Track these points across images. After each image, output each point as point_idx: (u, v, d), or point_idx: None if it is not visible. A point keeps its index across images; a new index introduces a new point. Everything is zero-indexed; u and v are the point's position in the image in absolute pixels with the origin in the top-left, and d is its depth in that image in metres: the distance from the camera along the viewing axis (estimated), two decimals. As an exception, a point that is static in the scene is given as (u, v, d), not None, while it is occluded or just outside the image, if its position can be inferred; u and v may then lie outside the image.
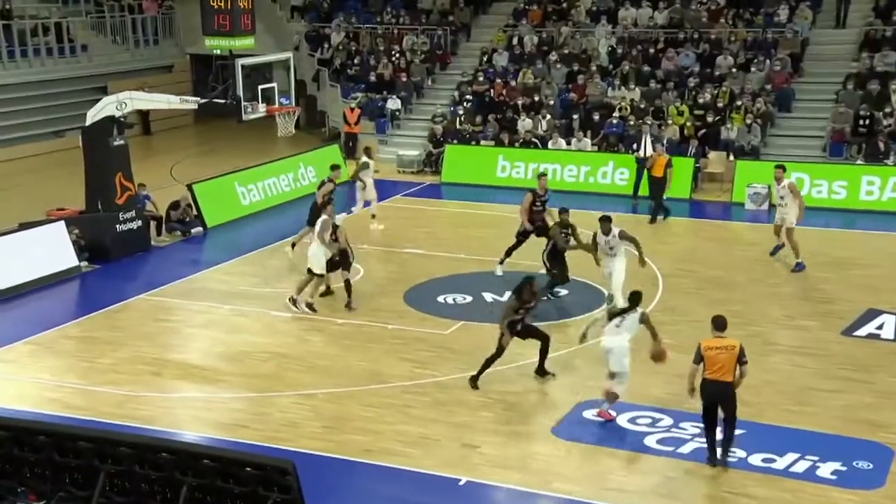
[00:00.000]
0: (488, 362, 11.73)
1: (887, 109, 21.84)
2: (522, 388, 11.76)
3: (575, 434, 10.74)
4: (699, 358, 9.86)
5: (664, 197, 19.48)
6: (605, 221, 14.11)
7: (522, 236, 15.81)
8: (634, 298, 11.11)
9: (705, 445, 10.32)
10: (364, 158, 19.24)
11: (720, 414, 9.95)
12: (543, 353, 12.01)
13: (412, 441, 10.55)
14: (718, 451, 10.02)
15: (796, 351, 13.01)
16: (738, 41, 25.29)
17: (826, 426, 10.86)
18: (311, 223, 15.41)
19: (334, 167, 17.40)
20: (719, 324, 10.04)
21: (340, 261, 14.55)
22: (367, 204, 19.10)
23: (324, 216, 14.52)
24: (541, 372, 12.07)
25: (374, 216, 18.68)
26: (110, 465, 8.40)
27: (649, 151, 20.80)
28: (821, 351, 13.02)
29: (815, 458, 10.08)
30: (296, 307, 14.29)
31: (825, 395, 11.66)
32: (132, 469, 8.37)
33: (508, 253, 15.84)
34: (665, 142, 21.88)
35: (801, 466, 9.98)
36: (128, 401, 11.56)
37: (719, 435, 10.01)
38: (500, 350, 11.67)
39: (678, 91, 23.94)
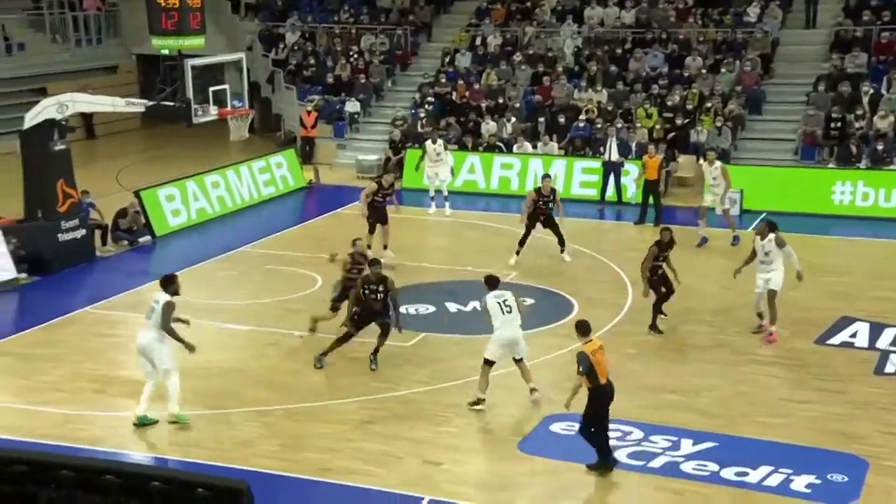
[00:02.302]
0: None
1: (859, 112, 22.23)
2: (488, 401, 11.77)
3: (542, 449, 10.78)
4: (589, 366, 10.01)
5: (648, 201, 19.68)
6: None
7: (530, 222, 17.02)
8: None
9: (677, 459, 10.42)
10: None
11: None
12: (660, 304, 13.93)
13: (373, 458, 10.53)
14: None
15: (768, 360, 13.18)
16: (707, 42, 25.63)
17: (799, 438, 11.00)
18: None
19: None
20: (585, 329, 10.37)
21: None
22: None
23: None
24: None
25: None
26: (51, 491, 8.28)
27: (615, 156, 20.99)
28: (794, 360, 13.19)
29: (789, 472, 10.20)
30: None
31: (798, 406, 11.82)
32: (75, 494, 8.26)
33: (522, 242, 16.92)
34: (634, 145, 22.10)
35: (774, 480, 10.10)
36: (69, 420, 11.40)
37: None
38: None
39: (646, 93, 24.19)
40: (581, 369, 10.01)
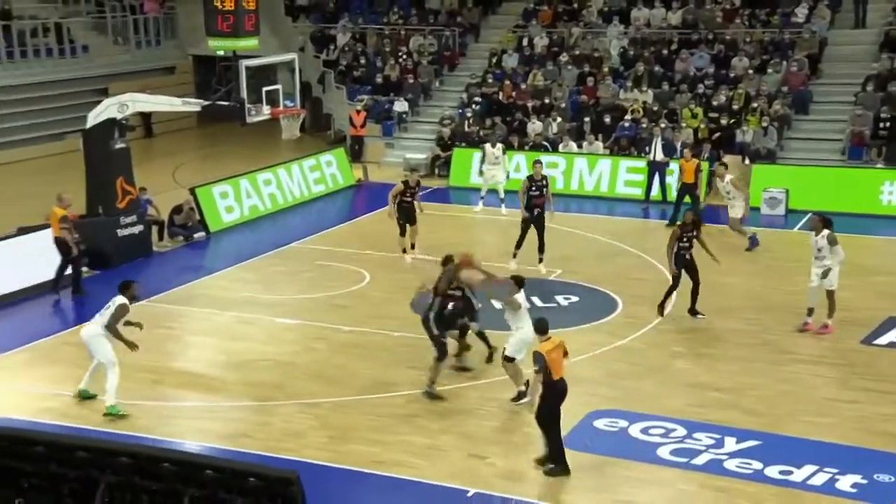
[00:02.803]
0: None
1: (908, 111, 21.78)
2: (529, 397, 11.71)
3: (585, 444, 10.71)
4: (543, 365, 9.90)
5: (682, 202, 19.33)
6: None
7: (525, 224, 16.28)
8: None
9: (720, 457, 10.30)
10: None
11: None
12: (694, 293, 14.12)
13: (419, 451, 10.55)
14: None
15: (814, 360, 12.97)
16: (753, 42, 25.26)
17: (845, 438, 10.81)
18: None
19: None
20: (543, 328, 10.22)
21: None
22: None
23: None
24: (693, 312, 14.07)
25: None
26: (110, 476, 8.41)
27: (660, 155, 20.77)
28: (840, 360, 12.97)
29: (835, 471, 10.03)
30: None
31: (844, 406, 11.61)
32: (132, 480, 8.38)
33: (518, 245, 16.31)
34: (679, 145, 21.86)
35: (819, 479, 9.93)
36: (128, 409, 11.57)
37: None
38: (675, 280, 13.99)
39: (692, 93, 23.91)
40: (536, 368, 9.95)
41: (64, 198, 15.40)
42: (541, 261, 16.27)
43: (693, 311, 14.31)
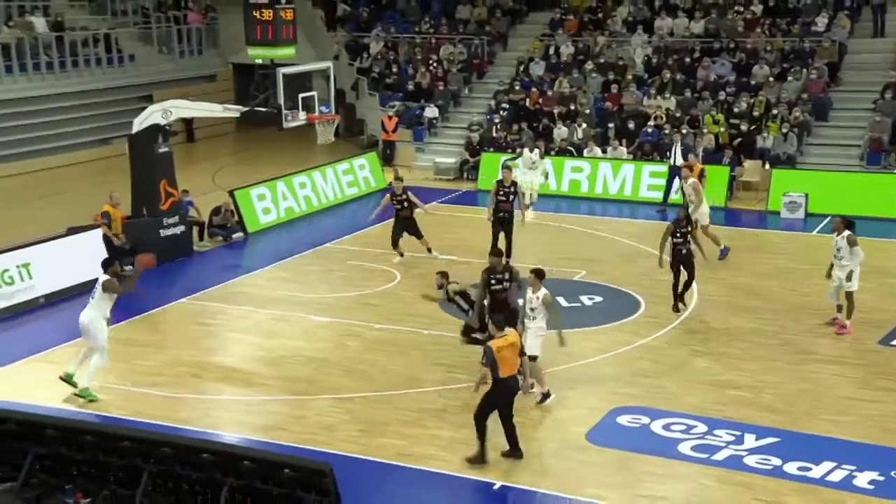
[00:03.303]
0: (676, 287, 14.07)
1: (926, 118, 21.49)
2: (554, 394, 11.69)
3: (608, 440, 10.67)
4: (491, 360, 9.81)
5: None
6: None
7: (494, 227, 16.20)
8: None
9: (740, 453, 10.22)
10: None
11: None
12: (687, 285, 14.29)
13: (447, 445, 10.55)
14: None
15: (832, 360, 12.82)
16: (774, 50, 25.02)
17: (863, 436, 10.68)
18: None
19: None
20: (500, 324, 10.11)
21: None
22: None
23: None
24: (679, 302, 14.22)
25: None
26: (153, 465, 8.50)
27: (679, 160, 20.58)
28: (857, 360, 12.81)
29: (853, 468, 9.91)
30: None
31: (862, 405, 11.47)
32: (174, 469, 8.46)
33: (493, 246, 15.98)
34: (700, 151, 21.69)
35: (837, 476, 9.82)
36: (168, 402, 11.69)
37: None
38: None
39: (714, 100, 23.73)
40: (484, 361, 9.90)
41: (113, 196, 15.76)
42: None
43: (676, 305, 14.36)
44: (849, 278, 13.50)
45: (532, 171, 20.13)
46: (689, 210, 16.06)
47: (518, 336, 10.20)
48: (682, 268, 14.36)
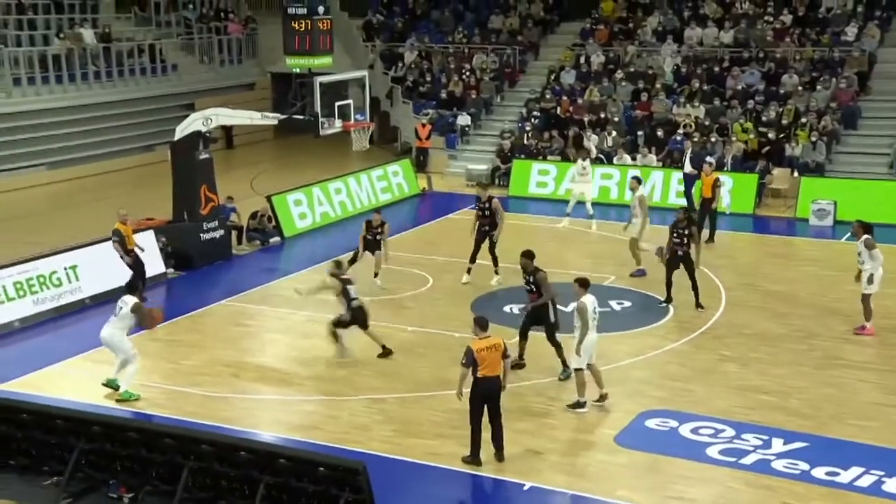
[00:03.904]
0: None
1: (956, 127, 21.12)
2: (585, 396, 11.63)
3: (637, 443, 10.60)
4: (471, 360, 9.79)
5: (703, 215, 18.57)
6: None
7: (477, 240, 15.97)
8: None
9: (768, 457, 10.11)
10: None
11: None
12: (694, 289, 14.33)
13: (478, 446, 10.52)
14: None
15: (859, 366, 12.65)
16: (803, 60, 24.75)
17: (891, 441, 10.52)
18: None
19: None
20: (483, 324, 10.08)
21: None
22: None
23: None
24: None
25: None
26: (193, 462, 8.59)
27: (688, 168, 20.31)
28: (884, 366, 12.63)
29: (881, 473, 9.77)
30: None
31: (890, 411, 11.30)
32: (213, 466, 8.55)
33: (472, 259, 16.05)
34: (729, 159, 21.54)
35: (866, 481, 9.68)
36: (209, 401, 11.79)
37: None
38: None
39: (742, 108, 23.52)
40: (464, 361, 9.88)
41: (120, 213, 15.46)
42: (496, 273, 15.92)
43: (669, 297, 14.53)
44: (869, 281, 13.34)
45: (582, 180, 19.72)
46: (632, 220, 15.97)
47: (502, 340, 10.11)
48: (682, 266, 14.39)
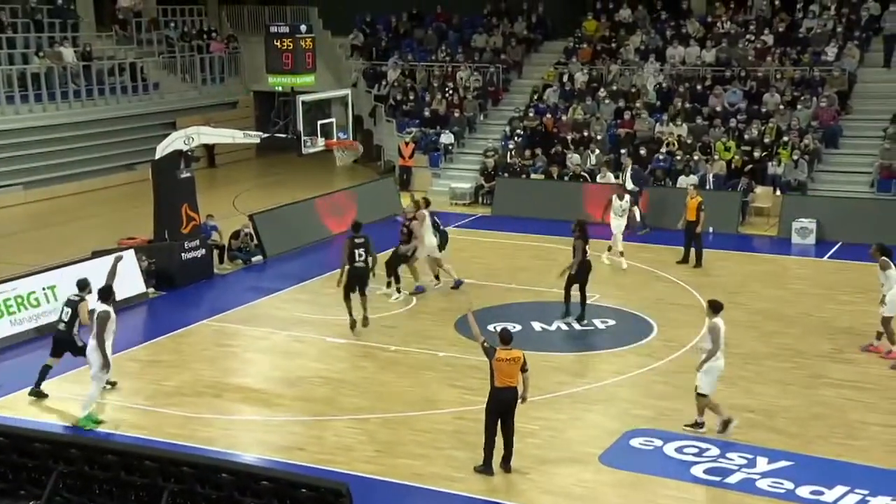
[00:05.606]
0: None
1: (936, 145, 21.37)
2: (568, 415, 11.64)
3: (622, 462, 10.59)
4: (488, 355, 10.10)
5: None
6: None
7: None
8: None
9: (752, 476, 10.12)
10: None
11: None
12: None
13: (462, 466, 10.50)
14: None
15: (846, 384, 12.70)
16: (785, 79, 25.02)
17: (876, 460, 10.56)
18: None
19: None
20: (506, 339, 10.32)
21: None
22: None
23: None
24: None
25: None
26: (173, 485, 8.49)
27: (629, 184, 20.39)
28: (870, 384, 12.69)
29: (866, 493, 9.80)
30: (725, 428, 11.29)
31: (875, 429, 11.35)
32: (194, 488, 8.45)
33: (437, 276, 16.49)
34: (712, 177, 21.69)
35: (850, 500, 9.70)
36: (189, 422, 11.70)
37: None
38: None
39: (725, 127, 23.73)
40: (486, 345, 10.18)
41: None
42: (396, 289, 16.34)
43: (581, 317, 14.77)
44: (882, 302, 13.44)
45: (621, 218, 18.75)
46: (417, 249, 16.17)
47: (522, 353, 10.28)
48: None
